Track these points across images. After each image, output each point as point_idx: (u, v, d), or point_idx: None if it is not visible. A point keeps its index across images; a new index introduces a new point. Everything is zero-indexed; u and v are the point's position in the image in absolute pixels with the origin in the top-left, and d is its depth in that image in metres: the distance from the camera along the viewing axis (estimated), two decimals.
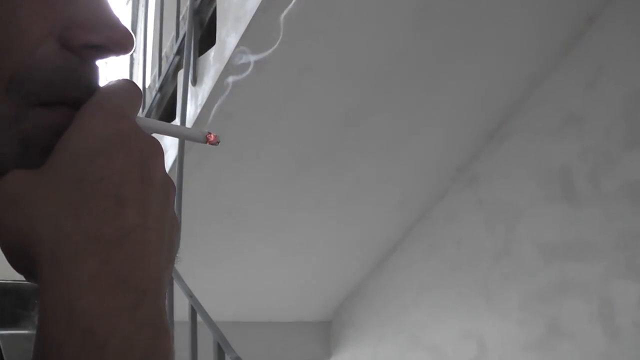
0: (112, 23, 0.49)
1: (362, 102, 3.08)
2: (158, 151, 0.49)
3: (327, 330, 4.56)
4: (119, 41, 0.50)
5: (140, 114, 2.02)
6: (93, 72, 0.50)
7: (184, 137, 0.58)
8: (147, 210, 0.46)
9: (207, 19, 2.88)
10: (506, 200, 3.54)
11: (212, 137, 0.58)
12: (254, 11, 2.44)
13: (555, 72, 3.39)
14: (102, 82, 0.51)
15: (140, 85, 3.29)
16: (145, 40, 3.43)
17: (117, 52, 0.50)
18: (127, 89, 0.51)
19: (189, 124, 2.75)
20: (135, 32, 3.53)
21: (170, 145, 2.94)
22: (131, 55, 3.55)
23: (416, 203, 3.89)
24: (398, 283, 4.09)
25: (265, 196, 3.32)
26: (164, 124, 0.58)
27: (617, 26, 3.17)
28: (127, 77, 3.51)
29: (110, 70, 3.79)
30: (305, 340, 4.45)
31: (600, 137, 3.17)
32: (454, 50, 3.04)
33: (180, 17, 3.03)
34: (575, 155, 3.25)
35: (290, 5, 2.49)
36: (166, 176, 0.50)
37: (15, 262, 0.46)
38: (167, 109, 3.18)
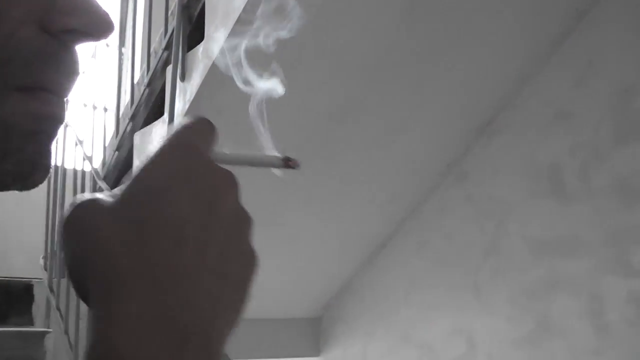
0: (92, 7, 0.49)
1: (351, 98, 3.07)
2: (230, 186, 0.49)
3: (317, 327, 4.55)
4: (99, 25, 0.49)
5: (128, 110, 2.02)
6: (74, 57, 0.50)
7: (261, 165, 0.57)
8: (207, 250, 0.45)
9: (195, 14, 2.86)
10: (496, 196, 3.54)
11: (291, 162, 0.57)
12: (243, 7, 2.43)
13: (544, 68, 3.39)
14: (83, 68, 0.51)
15: (128, 81, 3.28)
16: (134, 36, 3.41)
17: (97, 36, 0.49)
18: (202, 126, 0.52)
19: (177, 120, 2.73)
20: (124, 27, 3.52)
21: (158, 142, 2.92)
22: (120, 51, 3.52)
23: (406, 199, 3.89)
24: (388, 279, 4.09)
25: (253, 192, 3.30)
26: (240, 155, 0.58)
27: (606, 22, 3.17)
28: (116, 72, 3.49)
29: (99, 65, 3.77)
30: (295, 337, 4.44)
31: (589, 133, 3.17)
32: (443, 45, 3.04)
33: (169, 12, 3.01)
34: (565, 151, 3.26)
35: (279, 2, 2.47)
36: (240, 210, 0.50)
37: (77, 290, 0.46)
38: (155, 105, 3.16)
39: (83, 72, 3.84)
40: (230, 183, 0.49)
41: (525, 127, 3.46)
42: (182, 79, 2.77)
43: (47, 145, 0.49)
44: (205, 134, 0.52)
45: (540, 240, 3.33)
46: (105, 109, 3.64)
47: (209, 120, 0.54)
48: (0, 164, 0.46)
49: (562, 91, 3.31)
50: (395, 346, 4.01)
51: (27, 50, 0.46)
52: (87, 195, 0.47)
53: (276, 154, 0.57)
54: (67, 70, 0.49)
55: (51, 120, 0.49)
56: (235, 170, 0.51)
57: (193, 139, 0.50)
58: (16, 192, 0.50)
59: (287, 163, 0.56)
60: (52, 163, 0.52)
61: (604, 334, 3.04)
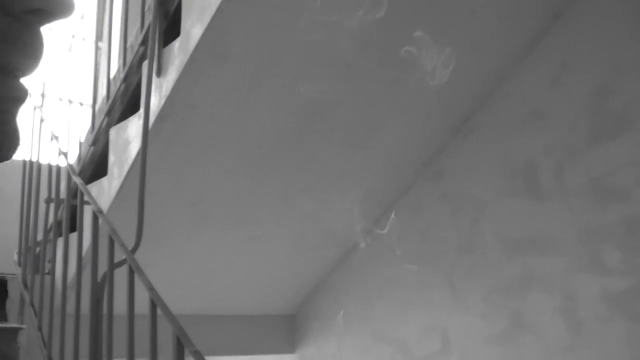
0: None
1: (327, 94, 3.07)
2: None
3: (292, 324, 4.56)
4: (60, 4, 0.48)
5: (104, 104, 2.00)
6: (39, 38, 0.49)
7: None
8: None
9: (172, 9, 2.85)
10: (471, 194, 3.56)
11: None
12: (219, 2, 2.43)
13: (520, 67, 3.41)
14: (49, 49, 0.51)
15: (104, 75, 3.26)
16: (110, 30, 3.39)
17: (58, 15, 0.49)
18: None
19: (152, 115, 2.72)
20: (100, 22, 3.50)
21: (134, 137, 2.91)
22: (96, 45, 3.50)
23: (381, 196, 3.89)
24: (363, 276, 4.10)
25: (229, 188, 3.30)
26: None
27: (581, 23, 3.20)
28: (92, 66, 3.47)
29: (75, 59, 3.75)
30: (270, 334, 4.44)
31: (564, 133, 3.20)
32: (419, 43, 3.04)
33: (146, 7, 3.00)
34: (540, 150, 3.28)
35: None
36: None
37: None
38: (131, 100, 3.15)
39: (59, 65, 3.82)
40: None
41: (500, 126, 3.48)
42: (158, 74, 2.76)
43: (14, 124, 0.49)
44: None
45: (514, 238, 3.35)
46: (81, 104, 3.62)
47: None
48: None
49: (537, 91, 3.34)
50: (369, 343, 4.02)
51: None
52: None
53: None
54: (32, 51, 0.49)
55: (18, 100, 0.49)
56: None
57: None
58: None
59: None
60: (21, 139, 0.52)
61: (577, 332, 3.06)
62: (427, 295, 3.73)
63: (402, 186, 3.89)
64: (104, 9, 3.77)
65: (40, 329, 2.96)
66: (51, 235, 3.05)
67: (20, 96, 0.50)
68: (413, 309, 3.80)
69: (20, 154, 3.60)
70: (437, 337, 3.66)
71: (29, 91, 0.51)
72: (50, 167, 3.20)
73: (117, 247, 2.20)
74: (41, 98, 3.55)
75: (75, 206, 2.79)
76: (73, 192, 2.93)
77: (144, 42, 3.00)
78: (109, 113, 3.23)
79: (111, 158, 3.08)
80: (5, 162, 0.50)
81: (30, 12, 0.47)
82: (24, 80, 0.50)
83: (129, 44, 3.16)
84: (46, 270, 3.22)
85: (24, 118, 3.54)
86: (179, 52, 2.66)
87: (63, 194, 3.08)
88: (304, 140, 3.25)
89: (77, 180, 2.66)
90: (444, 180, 3.73)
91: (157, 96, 2.75)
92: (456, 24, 3.02)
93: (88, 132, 3.41)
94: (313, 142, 3.28)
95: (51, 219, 3.14)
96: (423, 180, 3.83)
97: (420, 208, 3.83)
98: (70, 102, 3.70)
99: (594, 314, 3.02)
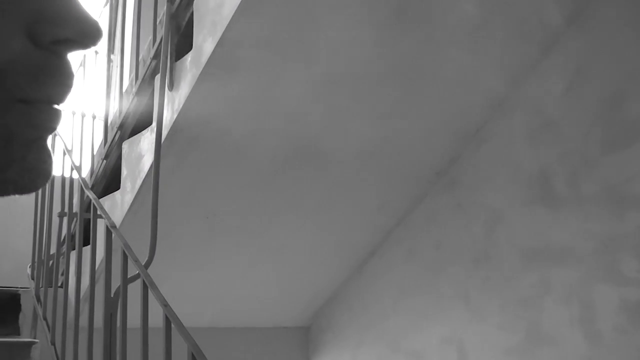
0: (81, 15, 0.49)
1: (340, 106, 3.06)
2: None
3: (306, 336, 4.54)
4: (89, 33, 0.49)
5: (117, 118, 2.01)
6: (67, 66, 0.50)
7: None
8: None
9: (184, 23, 2.85)
10: (485, 203, 3.54)
11: None
12: (231, 16, 2.42)
13: (533, 75, 3.39)
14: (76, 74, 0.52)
15: (117, 89, 3.27)
16: (123, 44, 3.40)
17: (86, 44, 0.50)
18: None
19: (165, 129, 2.71)
20: (112, 35, 3.51)
21: (147, 150, 2.91)
22: (109, 58, 3.51)
23: (395, 207, 3.88)
24: (377, 288, 4.08)
25: (242, 200, 3.29)
26: None
27: (594, 29, 3.18)
28: (105, 79, 3.47)
29: (88, 73, 3.75)
30: (284, 346, 4.43)
31: (578, 140, 3.17)
32: (431, 52, 3.03)
33: (157, 21, 3.00)
34: (554, 158, 3.26)
35: (267, 12, 2.47)
36: None
37: None
38: (144, 114, 3.15)
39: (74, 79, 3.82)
40: None
41: (514, 135, 3.46)
42: (171, 88, 2.76)
43: (47, 151, 0.50)
44: None
45: (530, 248, 3.33)
46: (94, 117, 3.62)
47: None
48: (4, 173, 0.47)
49: (551, 98, 3.31)
50: (384, 355, 4.00)
51: (24, 64, 0.46)
52: None
53: None
54: (62, 80, 0.49)
55: (50, 129, 0.50)
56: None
57: None
58: (3, 200, 0.52)
59: None
60: (53, 165, 0.52)
61: (595, 342, 3.03)
62: (443, 306, 3.71)
63: (416, 196, 3.87)
64: (116, 22, 3.78)
65: (53, 343, 2.96)
66: (64, 248, 3.05)
67: (55, 125, 0.51)
68: (428, 320, 3.78)
69: None
70: (453, 348, 3.63)
71: (62, 117, 0.52)
72: (63, 180, 3.20)
73: (130, 261, 2.19)
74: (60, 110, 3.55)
75: (89, 220, 2.78)
76: (86, 205, 2.93)
77: (156, 56, 3.00)
78: (121, 127, 3.23)
79: (124, 172, 3.08)
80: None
81: (59, 42, 0.48)
82: (58, 108, 0.51)
83: (141, 57, 3.17)
84: (59, 284, 3.22)
85: None
86: (191, 66, 2.66)
87: (76, 207, 3.08)
88: (318, 152, 3.24)
89: (90, 194, 2.66)
90: (457, 190, 3.71)
91: (169, 110, 2.75)
92: (468, 32, 3.01)
93: (101, 146, 3.42)
94: (327, 153, 3.27)
95: (64, 232, 3.14)
96: (437, 190, 3.81)
97: (434, 218, 3.81)
98: (83, 115, 3.70)
99: (613, 324, 2.99)
